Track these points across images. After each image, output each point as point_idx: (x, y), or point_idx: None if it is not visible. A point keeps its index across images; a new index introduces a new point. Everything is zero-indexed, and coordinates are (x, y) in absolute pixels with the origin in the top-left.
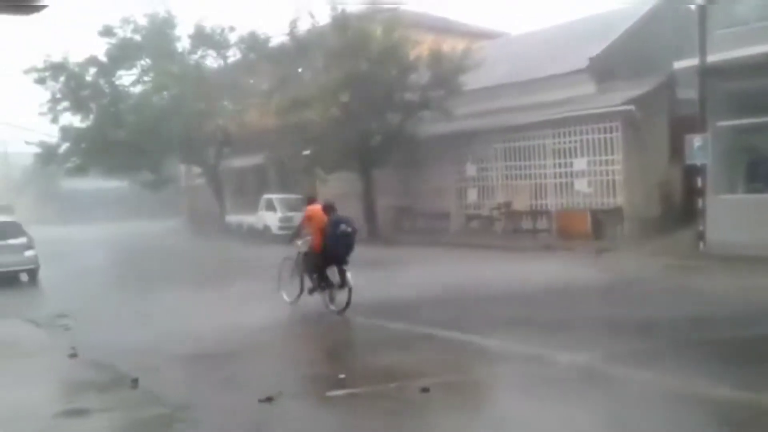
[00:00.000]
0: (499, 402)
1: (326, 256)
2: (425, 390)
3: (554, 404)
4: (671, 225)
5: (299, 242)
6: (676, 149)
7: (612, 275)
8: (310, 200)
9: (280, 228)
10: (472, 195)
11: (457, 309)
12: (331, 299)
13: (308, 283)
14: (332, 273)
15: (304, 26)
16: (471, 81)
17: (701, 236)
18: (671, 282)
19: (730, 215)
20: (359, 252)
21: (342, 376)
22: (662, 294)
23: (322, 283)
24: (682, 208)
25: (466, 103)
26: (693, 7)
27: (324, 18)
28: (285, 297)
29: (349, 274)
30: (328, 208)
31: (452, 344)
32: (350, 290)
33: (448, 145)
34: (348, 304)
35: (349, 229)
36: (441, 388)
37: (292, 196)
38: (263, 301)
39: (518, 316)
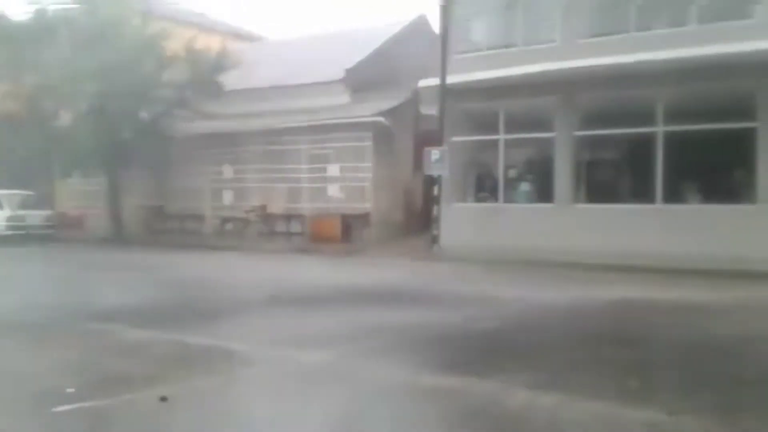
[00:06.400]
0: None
1: None
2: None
3: None
4: (413, 230)
5: None
6: (419, 160)
7: (348, 275)
8: None
9: (9, 228)
10: (228, 197)
11: (200, 310)
12: None
13: None
14: None
15: (49, 4)
16: (231, 82)
17: (435, 240)
18: (397, 278)
19: (459, 221)
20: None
21: (71, 390)
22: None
23: None
24: (422, 215)
25: (225, 104)
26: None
27: None
28: None
29: None
30: None
31: (191, 348)
32: None
33: (204, 145)
34: None
35: None
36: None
37: (24, 192)
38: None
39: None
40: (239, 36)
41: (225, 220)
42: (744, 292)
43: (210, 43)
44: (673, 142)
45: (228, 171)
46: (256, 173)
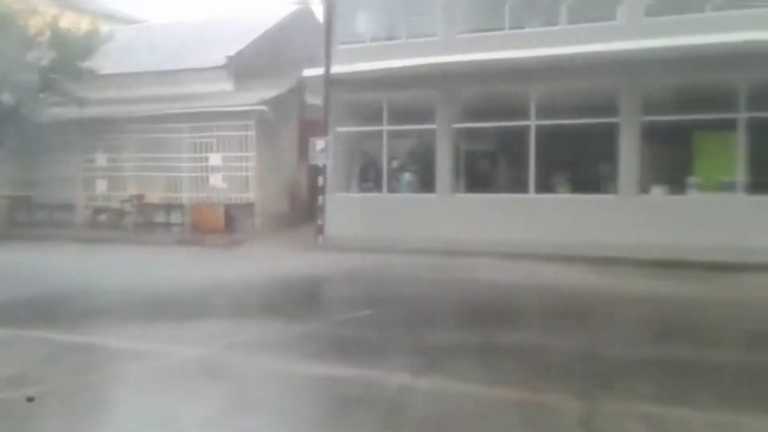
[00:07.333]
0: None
1: None
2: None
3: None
4: (298, 220)
5: None
6: (303, 150)
7: (226, 266)
8: None
9: None
10: (101, 186)
11: (66, 307)
12: None
13: None
14: None
15: None
16: (107, 66)
17: (320, 230)
18: (276, 270)
19: (344, 211)
20: None
21: None
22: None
23: None
24: (307, 205)
25: (101, 88)
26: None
27: None
28: None
29: None
30: None
31: (57, 346)
32: None
33: (75, 131)
34: None
35: None
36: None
37: None
38: None
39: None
40: (116, 18)
41: (98, 211)
42: (603, 276)
43: (80, 24)
44: (545, 135)
45: (101, 159)
46: (133, 162)
